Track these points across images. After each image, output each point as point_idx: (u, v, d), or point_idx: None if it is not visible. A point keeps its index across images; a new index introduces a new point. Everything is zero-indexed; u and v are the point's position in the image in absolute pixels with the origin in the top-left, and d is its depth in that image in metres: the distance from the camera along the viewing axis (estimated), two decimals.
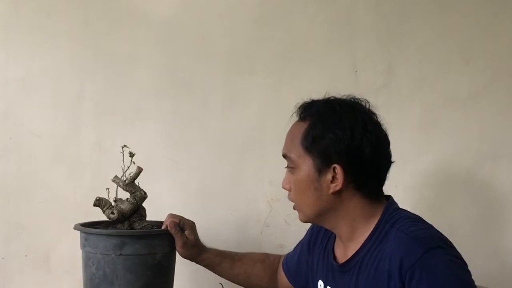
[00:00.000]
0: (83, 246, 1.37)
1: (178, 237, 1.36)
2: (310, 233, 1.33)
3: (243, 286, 1.44)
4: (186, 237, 1.38)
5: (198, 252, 1.40)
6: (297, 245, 1.39)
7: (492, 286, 1.44)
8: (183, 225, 1.39)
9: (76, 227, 1.39)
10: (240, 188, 1.81)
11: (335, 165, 1.07)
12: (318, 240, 1.28)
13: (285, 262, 1.40)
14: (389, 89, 1.77)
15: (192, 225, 1.41)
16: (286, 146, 1.15)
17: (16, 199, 1.80)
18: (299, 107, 1.16)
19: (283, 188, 1.17)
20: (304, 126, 1.11)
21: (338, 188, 1.08)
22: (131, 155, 1.39)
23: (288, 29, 1.82)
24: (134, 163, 1.39)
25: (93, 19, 1.82)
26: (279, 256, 1.45)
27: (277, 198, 1.79)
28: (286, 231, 1.78)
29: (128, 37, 1.82)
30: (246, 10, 1.83)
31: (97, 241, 1.32)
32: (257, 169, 1.81)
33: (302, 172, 1.11)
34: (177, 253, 1.42)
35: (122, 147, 1.38)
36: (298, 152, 1.11)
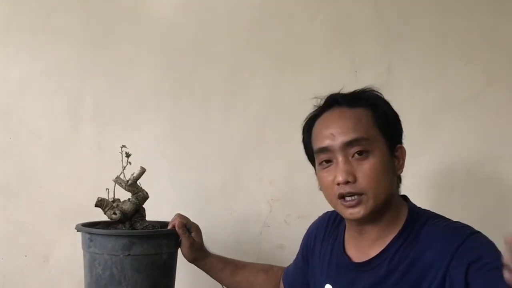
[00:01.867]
0: (87, 247, 1.36)
1: (185, 238, 1.37)
2: (306, 242, 1.33)
3: None
4: (193, 238, 1.38)
5: (202, 256, 1.40)
6: (296, 258, 1.38)
7: None
8: (190, 227, 1.39)
9: (80, 228, 1.38)
10: (240, 188, 1.81)
11: (399, 145, 1.13)
12: (317, 246, 1.27)
13: (285, 274, 1.39)
14: (389, 89, 1.75)
15: (197, 228, 1.41)
16: (357, 130, 1.08)
17: (16, 199, 1.80)
18: (339, 97, 1.15)
19: (346, 181, 1.06)
20: (365, 111, 1.11)
21: (403, 166, 1.12)
22: (127, 155, 1.39)
23: (288, 29, 1.82)
24: (130, 163, 1.39)
25: (93, 19, 1.83)
26: (282, 268, 1.44)
27: (277, 198, 1.79)
28: (286, 231, 1.78)
29: (128, 37, 1.83)
30: (246, 10, 1.83)
31: (105, 242, 1.32)
32: (257, 169, 1.81)
33: (378, 154, 1.08)
34: (178, 254, 1.42)
35: (121, 147, 1.39)
36: (373, 135, 1.09)
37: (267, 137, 1.80)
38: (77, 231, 1.39)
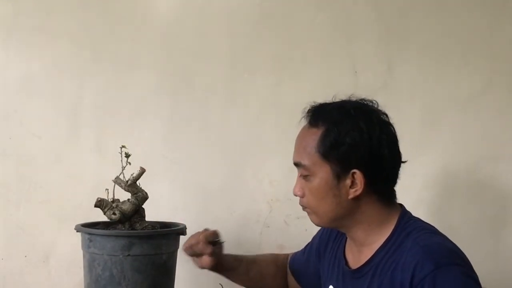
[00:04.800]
0: (87, 247, 1.36)
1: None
2: (319, 240, 1.30)
3: None
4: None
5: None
6: (306, 247, 1.36)
7: (492, 286, 1.44)
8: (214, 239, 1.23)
9: (79, 229, 1.38)
10: (240, 188, 1.81)
11: (354, 170, 1.05)
12: (329, 246, 1.26)
13: (292, 262, 1.37)
14: (389, 89, 1.77)
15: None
16: (299, 153, 1.11)
17: (16, 199, 1.80)
18: (308, 112, 1.12)
19: (295, 195, 1.13)
20: (317, 132, 1.08)
21: (358, 193, 1.06)
22: (127, 155, 1.39)
23: (288, 29, 1.82)
24: (130, 163, 1.39)
25: (93, 19, 1.83)
26: (286, 255, 1.41)
27: (277, 198, 1.79)
28: (286, 232, 1.78)
29: (128, 37, 1.83)
30: (246, 10, 1.83)
31: (104, 242, 1.33)
32: (257, 169, 1.81)
33: (318, 180, 1.08)
34: (178, 254, 1.42)
35: (121, 148, 1.39)
36: (313, 160, 1.08)
37: (267, 137, 1.80)
38: (77, 231, 1.40)
